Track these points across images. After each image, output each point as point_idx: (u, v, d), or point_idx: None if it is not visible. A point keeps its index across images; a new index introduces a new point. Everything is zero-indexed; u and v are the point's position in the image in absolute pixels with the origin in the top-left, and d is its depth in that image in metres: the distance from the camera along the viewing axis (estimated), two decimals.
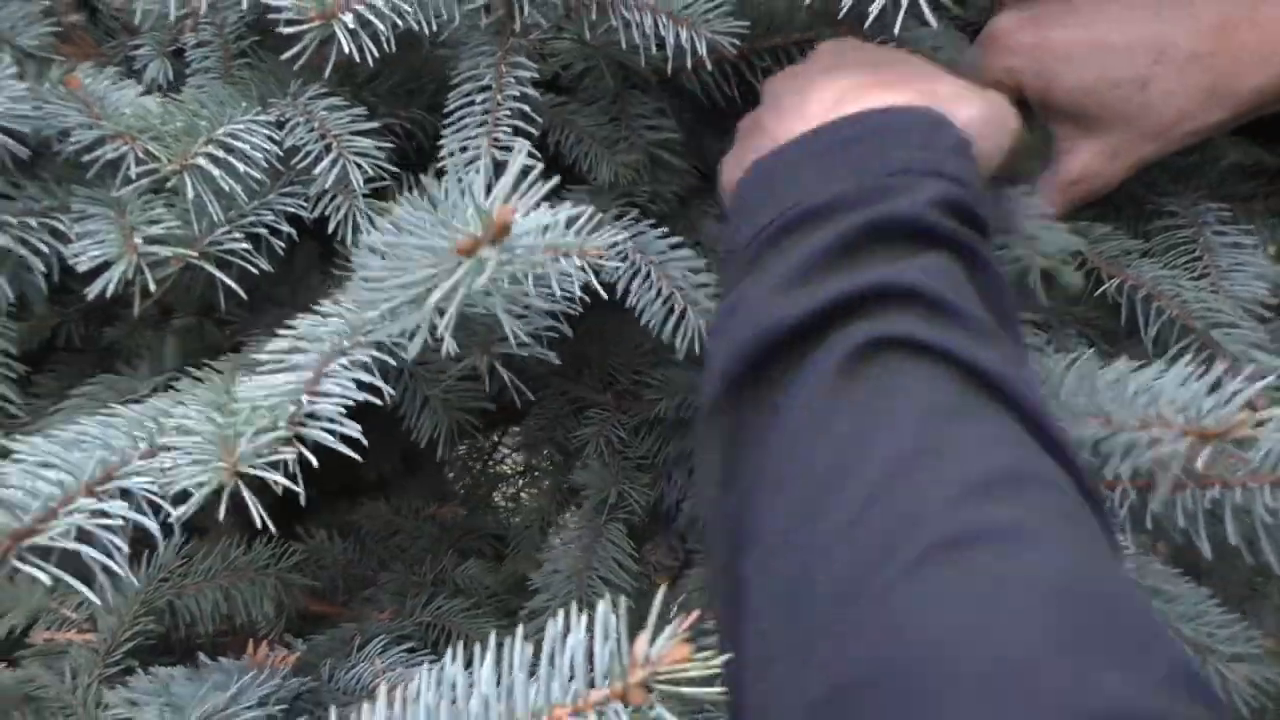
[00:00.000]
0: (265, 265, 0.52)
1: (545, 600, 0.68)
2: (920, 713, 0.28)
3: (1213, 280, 0.60)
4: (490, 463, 1.14)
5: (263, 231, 0.52)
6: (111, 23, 0.63)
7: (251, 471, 0.40)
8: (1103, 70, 0.54)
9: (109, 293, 0.46)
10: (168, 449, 0.41)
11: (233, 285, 0.51)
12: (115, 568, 0.38)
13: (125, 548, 0.39)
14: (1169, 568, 0.60)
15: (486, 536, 0.89)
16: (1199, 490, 0.49)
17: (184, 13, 0.56)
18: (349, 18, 0.47)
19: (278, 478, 0.41)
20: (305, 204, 0.54)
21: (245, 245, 0.50)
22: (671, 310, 0.58)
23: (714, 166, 0.73)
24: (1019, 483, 0.33)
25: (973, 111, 0.48)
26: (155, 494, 0.41)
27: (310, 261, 0.63)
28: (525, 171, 0.40)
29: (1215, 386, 0.45)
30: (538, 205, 0.41)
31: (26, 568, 0.36)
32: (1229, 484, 0.48)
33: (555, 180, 0.42)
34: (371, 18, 0.48)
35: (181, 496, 0.41)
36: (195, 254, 0.48)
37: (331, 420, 0.43)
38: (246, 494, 0.40)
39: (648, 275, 0.59)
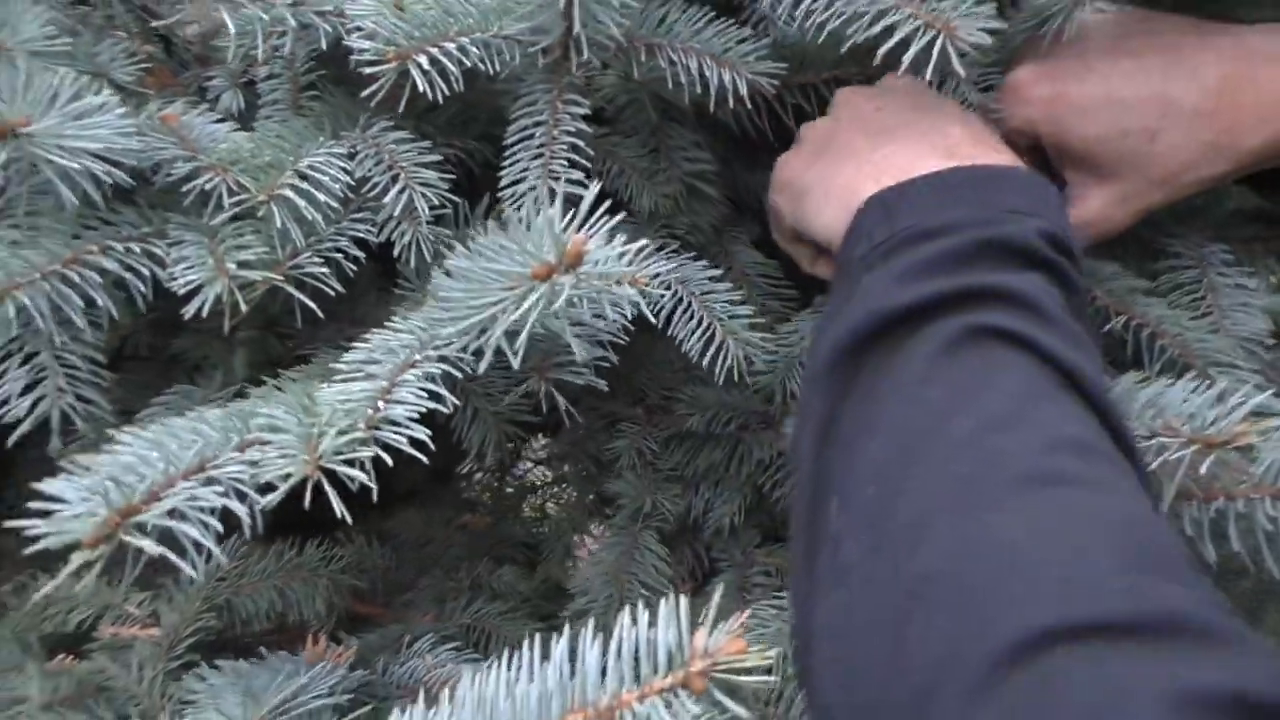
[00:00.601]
0: (338, 287, 0.56)
1: (587, 603, 0.72)
2: (997, 596, 0.32)
3: (1214, 320, 0.63)
4: (511, 476, 1.17)
5: (337, 255, 0.56)
6: (185, 54, 0.67)
7: (331, 466, 0.44)
8: (1115, 122, 0.58)
9: (204, 312, 0.51)
10: (257, 443, 0.45)
11: (310, 304, 0.55)
12: (209, 545, 0.42)
13: (219, 528, 0.43)
14: None
15: (517, 545, 0.92)
16: (1205, 502, 0.53)
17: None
18: (424, 59, 0.52)
19: (356, 474, 0.45)
20: (372, 229, 0.58)
21: (324, 269, 0.55)
22: (711, 340, 0.62)
23: (745, 196, 0.77)
24: (1090, 450, 0.39)
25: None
26: (244, 483, 0.45)
27: (369, 281, 0.67)
28: (594, 208, 0.44)
29: (1220, 398, 0.49)
30: (604, 237, 0.45)
31: (131, 540, 0.40)
32: (1232, 495, 0.52)
33: (620, 216, 0.46)
34: (442, 59, 0.53)
35: (267, 487, 0.45)
36: (280, 277, 0.52)
37: (402, 424, 0.47)
38: (327, 487, 0.44)
39: (689, 306, 0.63)
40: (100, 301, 0.51)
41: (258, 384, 0.62)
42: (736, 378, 0.62)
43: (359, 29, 0.53)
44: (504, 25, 0.55)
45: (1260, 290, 0.64)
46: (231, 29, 0.53)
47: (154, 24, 0.61)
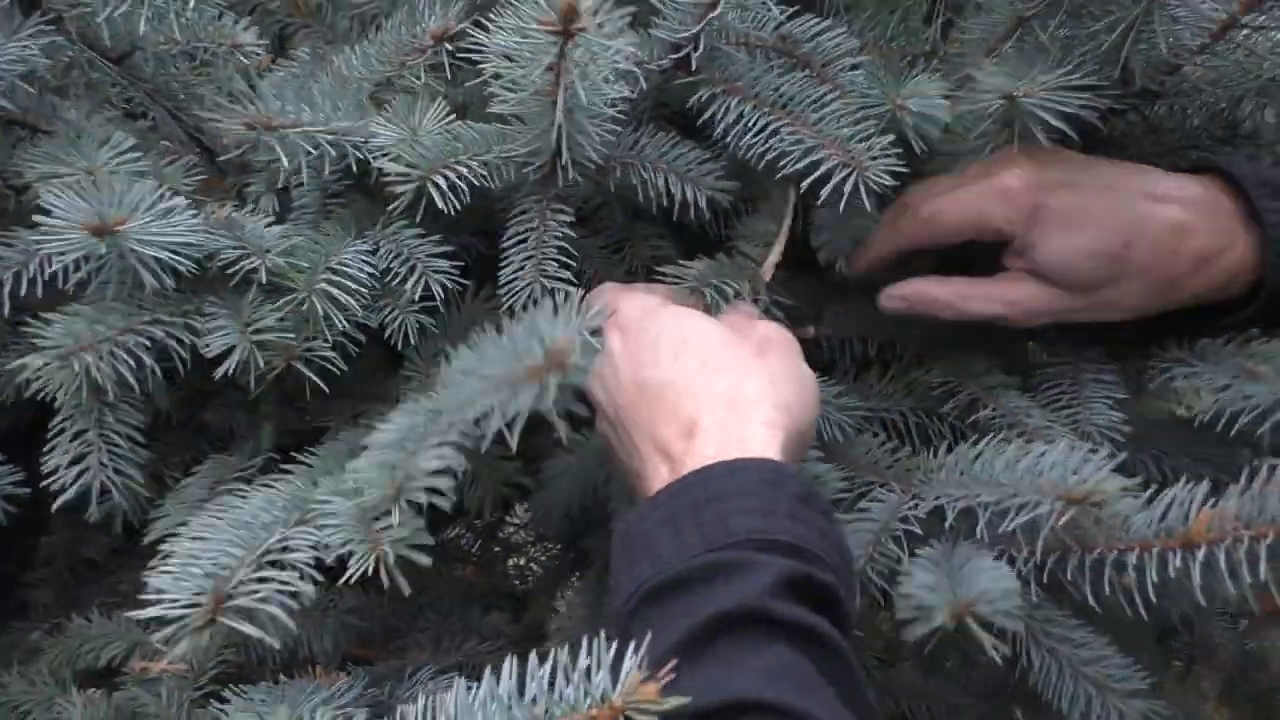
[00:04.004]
0: (344, 366, 0.67)
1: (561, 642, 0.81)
2: None
3: (1076, 411, 0.73)
4: (496, 538, 1.26)
5: (341, 339, 0.66)
6: (226, 165, 0.78)
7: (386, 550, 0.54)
8: (1087, 241, 0.62)
9: (232, 371, 0.62)
10: (318, 527, 0.55)
11: (318, 381, 0.66)
12: (285, 621, 0.52)
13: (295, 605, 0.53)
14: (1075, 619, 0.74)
15: (504, 596, 1.02)
16: (1083, 554, 0.64)
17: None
18: (440, 179, 0.63)
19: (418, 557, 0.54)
20: (370, 314, 0.68)
21: (331, 351, 0.66)
22: None
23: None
24: None
25: (789, 395, 0.58)
26: (309, 563, 0.55)
27: (378, 361, 0.78)
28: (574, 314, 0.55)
29: (1079, 466, 0.61)
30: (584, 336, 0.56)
31: (228, 621, 0.49)
32: (1108, 548, 0.63)
33: (598, 320, 0.57)
34: (455, 179, 0.64)
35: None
36: (298, 359, 0.63)
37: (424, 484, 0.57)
38: (384, 566, 0.54)
39: None
40: (148, 362, 0.61)
41: (282, 452, 0.72)
42: None
43: (385, 154, 0.65)
44: (503, 149, 0.67)
45: (1117, 387, 0.74)
46: (283, 157, 0.64)
47: (211, 147, 0.73)
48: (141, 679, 0.77)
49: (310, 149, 0.66)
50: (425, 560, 0.54)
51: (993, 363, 0.77)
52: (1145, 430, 0.78)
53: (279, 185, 0.75)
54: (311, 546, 0.54)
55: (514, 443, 0.58)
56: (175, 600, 0.50)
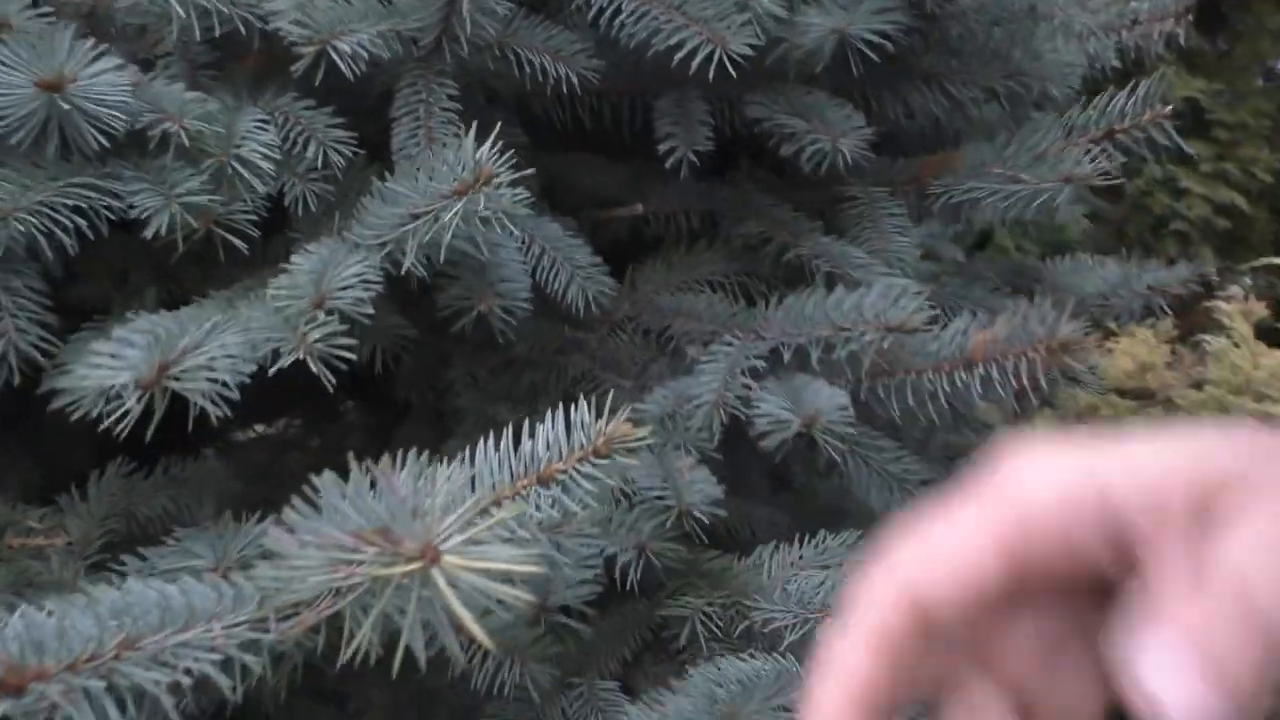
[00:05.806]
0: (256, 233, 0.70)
1: None
2: None
3: (872, 242, 0.88)
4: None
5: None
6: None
7: (320, 348, 0.61)
8: None
9: (162, 232, 0.63)
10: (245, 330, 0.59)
11: (239, 244, 0.69)
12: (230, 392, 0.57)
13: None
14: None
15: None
16: (891, 376, 0.79)
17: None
18: (343, 45, 0.67)
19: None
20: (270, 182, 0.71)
21: (250, 217, 0.68)
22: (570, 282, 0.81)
23: (553, 174, 0.95)
24: None
25: None
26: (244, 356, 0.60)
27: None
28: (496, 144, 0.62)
29: (896, 299, 0.75)
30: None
31: (170, 385, 0.53)
32: (910, 370, 0.79)
33: (511, 152, 0.64)
34: (354, 45, 0.68)
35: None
36: (217, 221, 0.66)
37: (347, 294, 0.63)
38: (317, 363, 0.60)
39: (553, 258, 0.81)
40: (72, 224, 0.62)
41: None
42: (591, 310, 0.82)
43: (284, 16, 0.67)
44: (392, 23, 0.71)
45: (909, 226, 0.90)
46: (179, 11, 0.65)
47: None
48: (23, 556, 0.77)
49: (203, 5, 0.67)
50: (350, 356, 0.61)
51: (799, 211, 0.91)
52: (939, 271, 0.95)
53: (140, 56, 0.75)
54: (244, 342, 0.58)
55: (442, 255, 0.64)
56: (125, 361, 0.53)
